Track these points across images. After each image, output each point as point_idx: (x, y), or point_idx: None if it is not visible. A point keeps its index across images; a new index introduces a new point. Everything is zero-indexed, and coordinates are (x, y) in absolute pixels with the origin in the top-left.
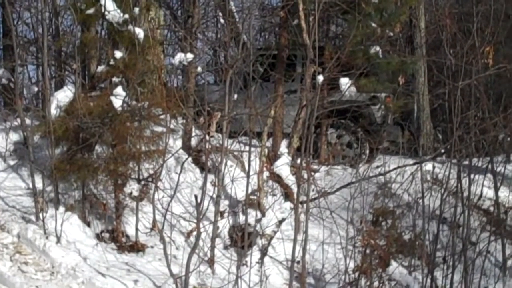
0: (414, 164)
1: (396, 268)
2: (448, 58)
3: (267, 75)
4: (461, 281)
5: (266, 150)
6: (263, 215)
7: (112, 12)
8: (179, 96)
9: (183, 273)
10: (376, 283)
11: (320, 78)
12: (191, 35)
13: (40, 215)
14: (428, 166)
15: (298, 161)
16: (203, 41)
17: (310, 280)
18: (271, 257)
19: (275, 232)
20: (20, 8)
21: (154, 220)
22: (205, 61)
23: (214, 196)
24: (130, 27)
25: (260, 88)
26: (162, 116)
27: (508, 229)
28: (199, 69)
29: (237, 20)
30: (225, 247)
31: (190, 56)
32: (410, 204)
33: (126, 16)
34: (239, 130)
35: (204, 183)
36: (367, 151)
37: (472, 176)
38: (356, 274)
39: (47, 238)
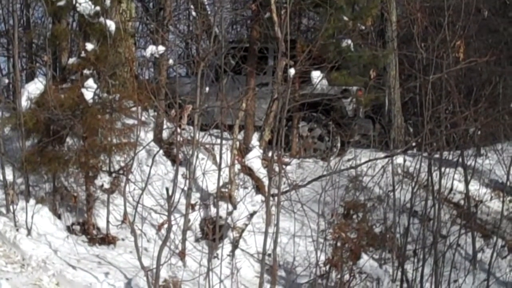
0: (385, 157)
1: (366, 261)
2: (419, 51)
3: (239, 68)
4: (431, 274)
5: (237, 143)
6: (235, 208)
7: (83, 4)
8: (151, 88)
9: (154, 266)
10: (346, 276)
11: (292, 71)
12: (162, 28)
13: (11, 207)
14: (399, 159)
15: (270, 154)
16: (174, 34)
17: (281, 273)
18: (242, 250)
19: (246, 225)
20: None
21: (125, 213)
22: (177, 53)
23: (185, 188)
24: (102, 19)
25: (231, 81)
26: (134, 109)
27: (478, 222)
28: (171, 61)
29: (209, 13)
30: (196, 240)
31: (161, 48)
32: (381, 197)
33: (98, 8)
34: (211, 123)
35: (176, 175)
36: (339, 144)
37: (442, 169)
38: (327, 267)
39: (17, 230)
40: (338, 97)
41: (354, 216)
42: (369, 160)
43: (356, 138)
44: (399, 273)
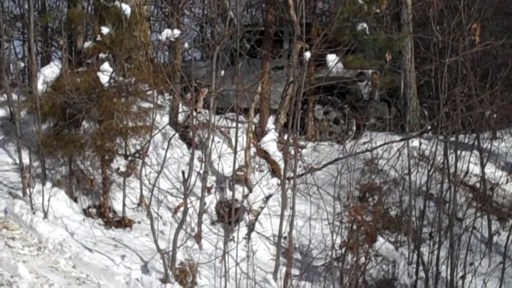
0: (400, 140)
1: (382, 244)
2: (435, 35)
3: (254, 51)
4: (447, 256)
5: (253, 126)
6: (250, 191)
7: None
8: (166, 72)
9: (170, 249)
10: (362, 259)
11: (307, 54)
12: (177, 11)
13: (27, 190)
14: (415, 142)
15: (285, 137)
16: (190, 17)
17: (297, 255)
18: (258, 233)
19: (262, 208)
20: None
21: (141, 196)
22: (192, 37)
23: (201, 172)
24: (117, 3)
25: (247, 64)
26: (149, 92)
27: (494, 205)
28: (186, 45)
29: None
30: (212, 223)
31: (177, 32)
32: (397, 180)
33: None
34: (226, 106)
35: (191, 159)
36: (354, 128)
37: (458, 152)
38: (343, 249)
39: (34, 213)
40: (353, 80)
41: (370, 199)
42: (385, 143)
43: (371, 121)
44: (415, 256)
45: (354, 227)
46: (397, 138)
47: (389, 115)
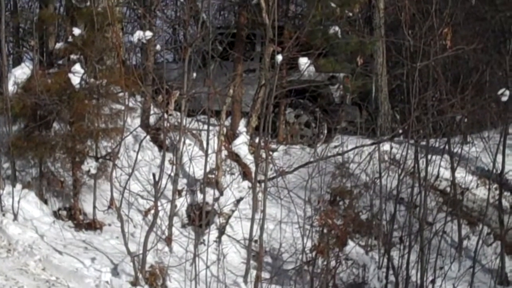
0: (372, 144)
1: (353, 248)
2: (407, 39)
3: (226, 54)
4: (417, 261)
5: (224, 129)
6: (221, 194)
7: None
8: (138, 74)
9: (141, 251)
10: (333, 263)
11: (279, 57)
12: (150, 13)
13: None
14: (386, 146)
15: (257, 140)
16: (162, 19)
17: (268, 259)
18: (229, 236)
19: (233, 211)
20: None
21: (112, 198)
22: (164, 39)
23: (172, 174)
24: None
25: (219, 67)
26: (121, 94)
27: (464, 210)
28: (158, 47)
29: None
30: (183, 226)
31: (149, 34)
32: (368, 184)
33: None
34: (198, 109)
35: (162, 161)
36: (325, 131)
37: (429, 156)
38: (313, 253)
39: (4, 215)
40: (325, 84)
41: (341, 203)
42: (356, 147)
43: (342, 125)
44: (385, 260)
45: (325, 230)
46: (368, 142)
47: (360, 119)
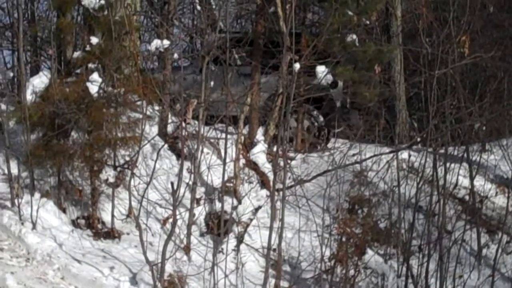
0: (390, 152)
1: (372, 257)
2: (424, 47)
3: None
4: (436, 269)
5: (242, 137)
6: (240, 202)
7: None
8: (156, 82)
9: (159, 260)
10: (351, 271)
11: (297, 66)
12: (167, 22)
13: (16, 201)
14: (404, 154)
15: (275, 148)
16: (179, 28)
17: (286, 267)
18: (247, 245)
19: (251, 220)
20: None
21: (130, 207)
22: (182, 47)
23: (190, 183)
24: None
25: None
26: (139, 103)
27: (483, 218)
28: (176, 55)
29: (214, 6)
30: (201, 234)
31: (166, 42)
32: (386, 193)
33: (102, 1)
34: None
35: (181, 170)
36: (327, 136)
37: (447, 165)
38: (332, 262)
39: (22, 224)
40: (327, 88)
41: (359, 211)
42: (374, 155)
43: (341, 128)
44: (404, 269)
45: (344, 239)
46: (387, 150)
47: (360, 123)
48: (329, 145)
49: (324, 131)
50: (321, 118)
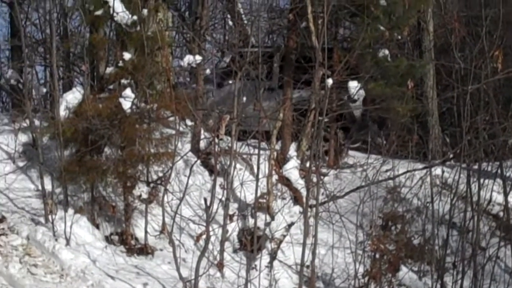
0: (423, 168)
1: (406, 273)
2: (457, 61)
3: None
4: (470, 287)
5: (275, 153)
6: (273, 218)
7: (121, 13)
8: (188, 98)
9: (193, 277)
10: None
11: (330, 81)
12: (199, 37)
13: (49, 217)
14: (437, 170)
15: (307, 164)
16: (211, 43)
17: (320, 284)
18: (280, 261)
19: (284, 236)
20: (28, 8)
21: (164, 223)
22: (213, 63)
23: (223, 199)
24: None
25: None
26: (171, 118)
27: None
28: (208, 71)
29: (245, 22)
30: (234, 251)
31: (198, 58)
32: (420, 209)
33: (135, 17)
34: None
35: (214, 186)
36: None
37: (481, 181)
38: (366, 279)
39: (56, 240)
40: (349, 101)
41: (393, 228)
42: (407, 171)
43: (357, 145)
44: (439, 286)
45: (377, 256)
46: (420, 166)
47: (379, 137)
48: (363, 161)
49: (343, 145)
50: (341, 133)
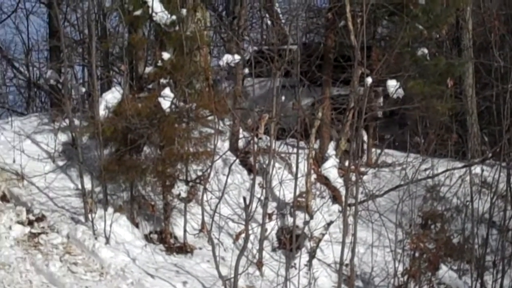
0: (462, 167)
1: (446, 272)
2: (496, 60)
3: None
4: (511, 286)
5: (313, 152)
6: (311, 217)
7: (160, 13)
8: (227, 97)
9: (232, 275)
10: (425, 287)
11: (369, 80)
12: (238, 36)
13: (89, 216)
14: (477, 169)
15: (346, 163)
16: (249, 43)
17: (359, 283)
18: (319, 260)
19: (323, 235)
20: (67, 8)
21: (203, 222)
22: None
23: (262, 198)
24: (178, 28)
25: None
26: (210, 118)
27: None
28: (246, 70)
29: (283, 21)
30: (273, 250)
31: (237, 57)
32: (459, 208)
33: (174, 17)
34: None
35: (253, 185)
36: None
37: None
38: (405, 277)
39: (96, 239)
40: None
41: (432, 227)
42: (447, 170)
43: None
44: (478, 285)
45: (417, 254)
46: (459, 164)
47: (400, 133)
48: (401, 159)
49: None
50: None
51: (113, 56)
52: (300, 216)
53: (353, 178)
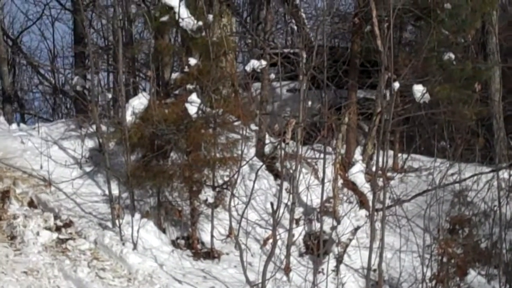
0: (490, 172)
1: (474, 277)
2: None
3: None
4: None
5: (340, 157)
6: (338, 222)
7: (186, 19)
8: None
9: (259, 281)
10: None
11: (396, 85)
12: (263, 42)
13: (117, 221)
14: (505, 174)
15: (373, 168)
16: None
17: None
18: (346, 265)
19: (350, 240)
20: (92, 15)
21: (230, 227)
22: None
23: (289, 203)
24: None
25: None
26: (236, 123)
27: None
28: (272, 75)
29: (309, 27)
30: (301, 255)
31: (263, 63)
32: (487, 212)
33: (200, 23)
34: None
35: (280, 190)
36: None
37: None
38: (433, 282)
39: (123, 244)
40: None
41: (460, 232)
42: (474, 175)
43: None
44: None
45: (445, 259)
46: (486, 169)
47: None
48: (428, 164)
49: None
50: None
51: (139, 62)
52: (327, 222)
53: (380, 183)
